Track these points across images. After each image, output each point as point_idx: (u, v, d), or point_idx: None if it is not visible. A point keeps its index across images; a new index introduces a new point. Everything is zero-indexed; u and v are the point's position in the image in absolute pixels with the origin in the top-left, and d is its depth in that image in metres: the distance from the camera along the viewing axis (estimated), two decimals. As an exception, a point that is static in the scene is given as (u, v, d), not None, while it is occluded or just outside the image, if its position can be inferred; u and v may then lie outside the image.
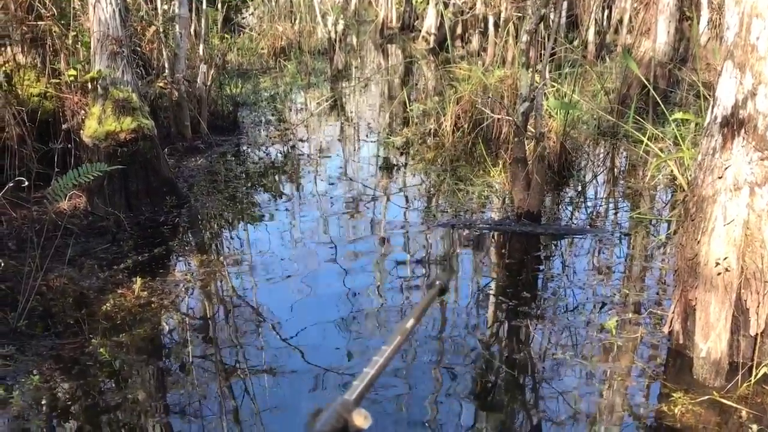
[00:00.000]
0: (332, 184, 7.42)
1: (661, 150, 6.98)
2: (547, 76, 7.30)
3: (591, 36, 13.93)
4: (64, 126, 6.32)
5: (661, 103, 7.49)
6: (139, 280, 4.85)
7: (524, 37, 5.73)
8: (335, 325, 4.46)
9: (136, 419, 3.55)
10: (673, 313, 3.98)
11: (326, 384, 3.83)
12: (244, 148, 8.74)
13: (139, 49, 7.87)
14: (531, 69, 5.75)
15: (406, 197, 7.01)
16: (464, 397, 3.74)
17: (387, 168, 8.09)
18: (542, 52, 6.01)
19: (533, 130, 5.95)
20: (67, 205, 6.01)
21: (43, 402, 3.64)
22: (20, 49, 6.59)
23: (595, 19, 14.23)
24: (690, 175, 6.41)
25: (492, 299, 4.86)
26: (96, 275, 4.99)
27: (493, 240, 5.87)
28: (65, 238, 5.23)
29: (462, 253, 5.68)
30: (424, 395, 3.75)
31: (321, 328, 4.41)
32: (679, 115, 5.93)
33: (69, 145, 6.28)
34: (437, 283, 1.40)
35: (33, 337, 4.16)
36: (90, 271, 5.05)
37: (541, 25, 7.30)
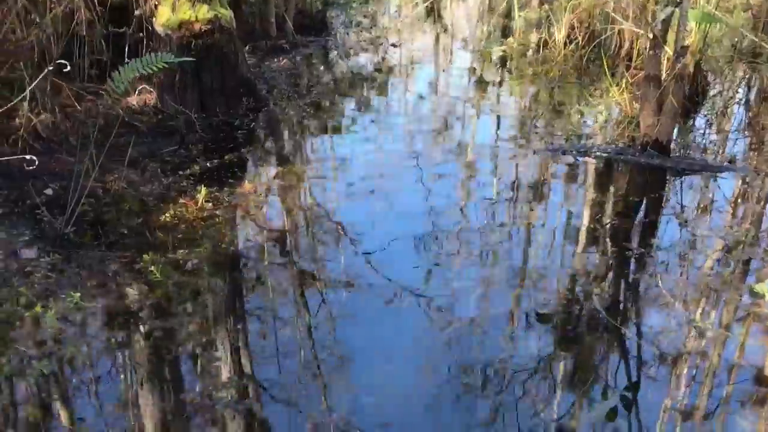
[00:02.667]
0: (423, 97, 6.67)
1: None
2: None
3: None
4: (136, 12, 5.74)
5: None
6: (203, 189, 4.30)
7: (676, -74, 4.67)
8: (415, 243, 3.90)
9: (180, 353, 3.03)
10: None
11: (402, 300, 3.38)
12: (332, 51, 8.01)
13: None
14: (680, -34, 4.72)
15: (511, 116, 6.16)
16: (561, 357, 3.06)
17: (487, 83, 7.22)
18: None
19: (671, 44, 4.96)
20: (136, 100, 5.51)
21: (82, 325, 3.17)
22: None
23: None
24: None
25: (609, 244, 4.06)
26: (159, 180, 4.49)
27: (611, 171, 5.01)
28: (129, 136, 4.73)
29: (574, 184, 4.86)
30: (517, 344, 3.08)
31: (401, 246, 3.87)
32: None
33: (141, 34, 5.72)
34: None
35: (81, 246, 3.69)
36: (153, 175, 4.55)
37: None
